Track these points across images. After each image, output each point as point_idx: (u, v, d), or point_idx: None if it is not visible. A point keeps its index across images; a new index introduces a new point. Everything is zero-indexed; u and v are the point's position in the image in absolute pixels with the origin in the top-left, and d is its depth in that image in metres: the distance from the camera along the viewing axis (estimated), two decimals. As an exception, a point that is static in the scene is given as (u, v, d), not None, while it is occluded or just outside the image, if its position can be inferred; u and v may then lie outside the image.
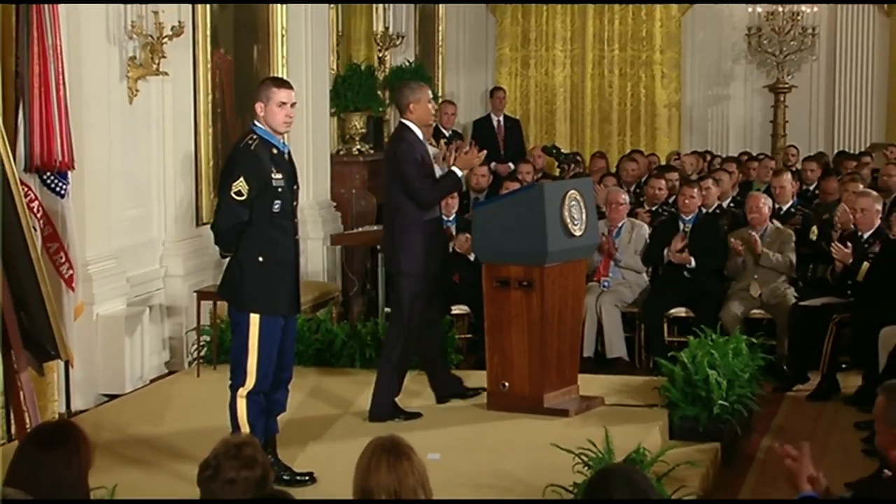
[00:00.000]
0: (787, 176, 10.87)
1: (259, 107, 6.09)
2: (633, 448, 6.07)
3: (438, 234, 7.53)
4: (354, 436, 6.55)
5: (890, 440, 4.01)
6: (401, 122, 7.48)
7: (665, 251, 9.67)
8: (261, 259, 6.06)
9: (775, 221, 9.87)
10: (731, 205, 10.98)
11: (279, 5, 10.62)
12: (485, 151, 7.58)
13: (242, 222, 6.02)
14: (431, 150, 7.52)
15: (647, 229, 10.02)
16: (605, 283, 9.79)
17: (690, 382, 7.20)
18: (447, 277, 7.63)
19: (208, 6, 9.45)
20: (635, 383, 8.25)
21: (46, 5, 7.14)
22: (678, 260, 9.62)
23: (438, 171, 7.38)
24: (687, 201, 9.82)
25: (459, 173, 7.35)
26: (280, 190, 6.06)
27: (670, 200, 10.74)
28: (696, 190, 9.92)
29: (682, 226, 9.79)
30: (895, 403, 4.01)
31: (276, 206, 6.05)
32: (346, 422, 7.37)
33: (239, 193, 5.97)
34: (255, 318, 6.05)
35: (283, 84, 6.29)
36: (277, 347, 6.13)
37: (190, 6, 9.17)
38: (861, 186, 9.93)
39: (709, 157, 13.61)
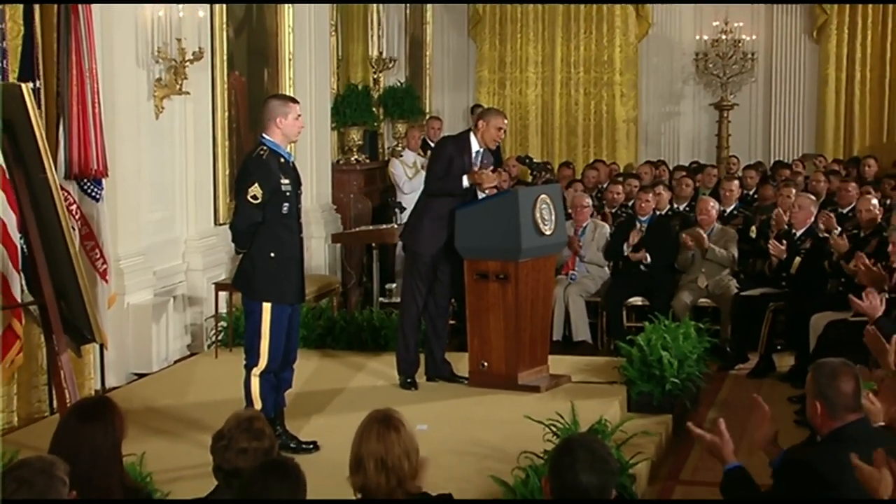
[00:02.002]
0: (735, 182, 10.96)
1: (279, 121, 6.10)
2: (595, 420, 6.09)
3: (446, 220, 7.45)
4: (352, 409, 6.53)
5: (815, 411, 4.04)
6: (467, 129, 7.72)
7: (624, 246, 9.72)
8: (271, 255, 6.05)
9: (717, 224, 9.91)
10: (686, 209, 11.01)
11: (287, 34, 10.61)
12: (497, 182, 7.59)
13: (256, 222, 6.02)
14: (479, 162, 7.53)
15: (608, 229, 10.06)
16: (572, 276, 9.82)
17: (646, 362, 7.24)
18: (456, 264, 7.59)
19: (225, 35, 9.45)
20: (598, 363, 8.26)
21: (84, 33, 7.14)
22: (635, 258, 9.66)
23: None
24: (643, 204, 9.88)
25: (465, 183, 7.40)
26: (287, 194, 6.07)
27: (628, 203, 10.78)
28: (650, 195, 9.97)
29: (638, 225, 9.84)
30: (820, 379, 4.02)
31: (285, 209, 6.06)
32: (344, 397, 7.37)
33: (254, 197, 5.97)
34: (266, 307, 6.05)
35: (294, 100, 6.35)
36: (286, 332, 6.15)
37: (209, 35, 9.17)
38: (794, 191, 9.98)
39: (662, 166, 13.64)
